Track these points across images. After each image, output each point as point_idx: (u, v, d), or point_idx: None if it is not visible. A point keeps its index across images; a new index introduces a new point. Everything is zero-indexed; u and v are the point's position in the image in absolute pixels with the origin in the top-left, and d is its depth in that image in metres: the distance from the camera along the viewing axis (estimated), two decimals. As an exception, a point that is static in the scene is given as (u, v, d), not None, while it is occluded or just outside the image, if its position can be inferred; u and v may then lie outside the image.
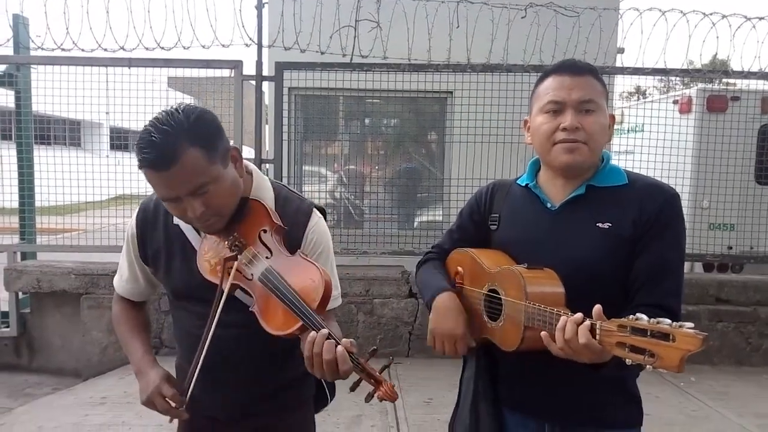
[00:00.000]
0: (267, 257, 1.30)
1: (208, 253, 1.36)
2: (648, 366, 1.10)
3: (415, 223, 5.49)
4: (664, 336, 1.07)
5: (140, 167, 1.23)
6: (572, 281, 1.37)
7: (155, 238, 1.45)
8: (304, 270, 1.27)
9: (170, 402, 1.35)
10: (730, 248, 5.42)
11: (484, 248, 1.58)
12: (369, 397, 1.20)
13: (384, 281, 4.58)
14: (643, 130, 5.16)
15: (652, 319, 1.10)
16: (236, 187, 1.32)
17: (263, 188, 1.43)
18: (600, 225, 1.43)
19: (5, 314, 4.64)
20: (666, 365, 1.07)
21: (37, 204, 4.87)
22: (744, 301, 4.65)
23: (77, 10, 4.36)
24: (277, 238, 1.33)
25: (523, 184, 1.58)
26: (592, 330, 1.18)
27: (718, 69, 4.82)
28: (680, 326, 1.06)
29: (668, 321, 1.08)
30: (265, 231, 1.32)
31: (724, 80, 5.73)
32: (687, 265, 5.98)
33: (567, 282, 1.37)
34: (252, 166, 1.47)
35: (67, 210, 4.80)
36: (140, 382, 1.41)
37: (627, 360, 1.12)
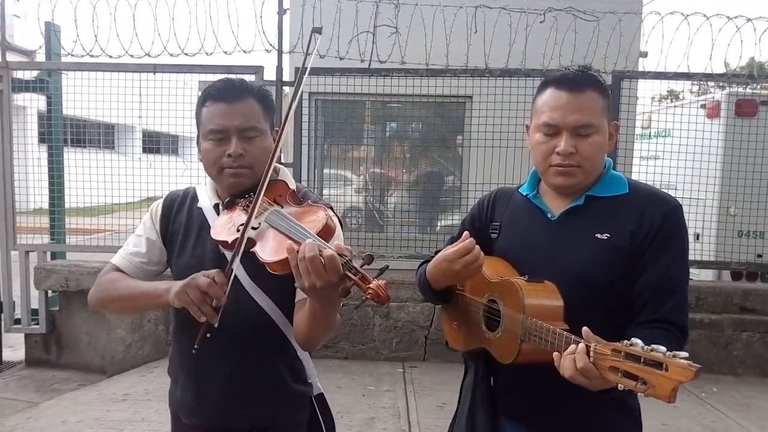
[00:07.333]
0: (276, 210, 1.36)
1: (221, 224, 1.43)
2: (639, 393, 1.09)
3: (437, 227, 5.49)
4: (658, 365, 1.05)
5: (206, 99, 1.46)
6: (571, 292, 1.36)
7: (178, 218, 1.57)
8: (310, 209, 1.35)
9: (214, 285, 1.28)
10: (760, 256, 5.27)
11: (487, 256, 1.57)
12: (360, 303, 1.16)
13: (400, 285, 4.60)
14: (670, 135, 5.06)
15: (646, 346, 1.08)
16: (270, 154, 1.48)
17: (288, 178, 1.53)
18: (599, 236, 1.42)
19: (35, 312, 4.79)
20: (658, 394, 1.05)
21: (70, 205, 4.99)
22: (770, 311, 4.53)
23: (105, 18, 4.49)
24: (291, 201, 1.40)
25: (524, 194, 1.58)
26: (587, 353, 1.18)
27: (752, 73, 4.67)
28: (674, 356, 1.04)
29: (663, 349, 1.06)
30: (280, 196, 1.41)
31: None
32: (713, 273, 5.85)
33: (565, 293, 1.36)
34: (280, 165, 1.58)
35: (100, 211, 4.93)
36: (173, 287, 1.34)
37: (619, 385, 1.11)
